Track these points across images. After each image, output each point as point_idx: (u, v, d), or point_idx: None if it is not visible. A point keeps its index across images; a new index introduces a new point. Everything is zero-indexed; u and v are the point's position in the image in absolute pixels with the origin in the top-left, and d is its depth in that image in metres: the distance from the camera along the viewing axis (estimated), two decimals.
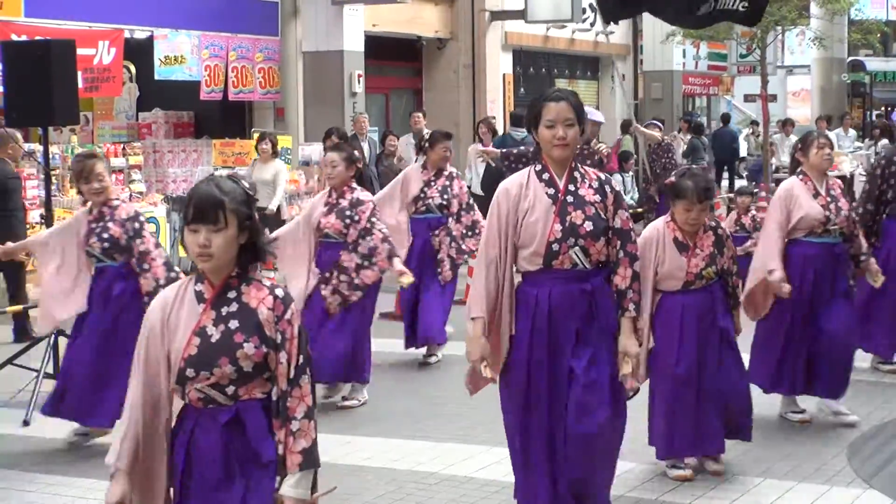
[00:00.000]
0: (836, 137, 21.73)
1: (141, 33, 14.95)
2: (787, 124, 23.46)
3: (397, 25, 18.42)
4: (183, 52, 15.09)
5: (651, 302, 5.97)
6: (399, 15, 18.18)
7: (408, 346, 9.07)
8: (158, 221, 13.16)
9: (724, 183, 23.35)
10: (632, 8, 12.07)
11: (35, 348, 8.34)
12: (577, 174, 4.87)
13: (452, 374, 8.28)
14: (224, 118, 16.82)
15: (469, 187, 11.30)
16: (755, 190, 13.46)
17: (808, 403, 7.27)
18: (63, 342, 8.25)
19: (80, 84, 9.76)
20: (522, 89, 21.35)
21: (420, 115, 15.87)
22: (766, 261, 6.82)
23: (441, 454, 6.68)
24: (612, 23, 16.65)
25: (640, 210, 15.68)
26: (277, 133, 16.35)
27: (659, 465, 6.19)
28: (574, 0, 19.52)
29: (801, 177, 7.03)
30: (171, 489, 3.60)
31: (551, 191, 4.82)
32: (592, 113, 13.00)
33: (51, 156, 9.47)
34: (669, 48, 24.01)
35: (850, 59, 30.30)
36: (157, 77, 15.05)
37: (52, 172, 10.61)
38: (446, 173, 9.16)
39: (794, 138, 22.73)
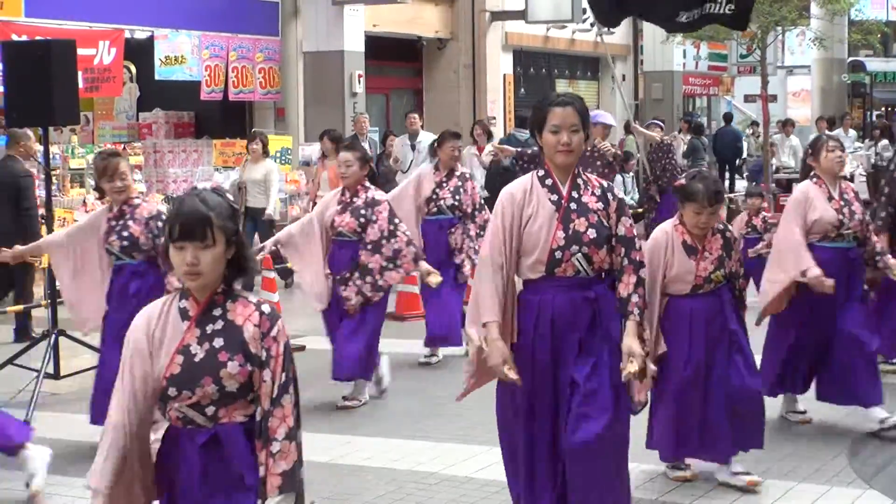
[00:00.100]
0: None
1: (141, 33, 14.96)
2: (787, 125, 23.45)
3: (398, 26, 18.42)
4: (183, 53, 15.10)
5: (659, 306, 5.91)
6: (399, 15, 18.18)
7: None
8: None
9: (725, 183, 23.34)
10: (625, 12, 12.15)
11: (35, 348, 8.35)
12: (580, 181, 4.78)
13: (452, 374, 8.28)
14: (224, 118, 16.83)
15: None
16: (763, 192, 13.41)
17: (809, 404, 7.27)
18: (63, 342, 8.27)
19: (81, 84, 9.75)
20: (523, 90, 21.36)
21: (416, 116, 15.84)
22: (798, 262, 6.73)
23: (441, 454, 6.68)
24: (608, 27, 16.66)
25: (640, 210, 15.68)
26: (278, 133, 16.38)
27: (659, 466, 6.18)
28: (574, 0, 19.53)
29: (814, 180, 6.99)
30: None
31: (554, 197, 4.72)
32: (603, 115, 13.02)
33: (51, 156, 9.45)
34: (670, 48, 24.02)
35: (851, 59, 30.29)
36: (157, 77, 15.07)
37: (53, 172, 10.60)
38: (458, 174, 9.25)
39: (794, 139, 22.95)
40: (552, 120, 4.70)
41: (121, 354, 3.46)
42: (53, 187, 10.52)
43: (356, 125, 15.60)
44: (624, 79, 23.53)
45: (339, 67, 16.70)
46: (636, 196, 18.14)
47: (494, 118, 19.86)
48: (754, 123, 25.68)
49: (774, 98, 28.80)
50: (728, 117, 26.01)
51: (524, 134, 13.75)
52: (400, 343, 9.15)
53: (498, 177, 13.55)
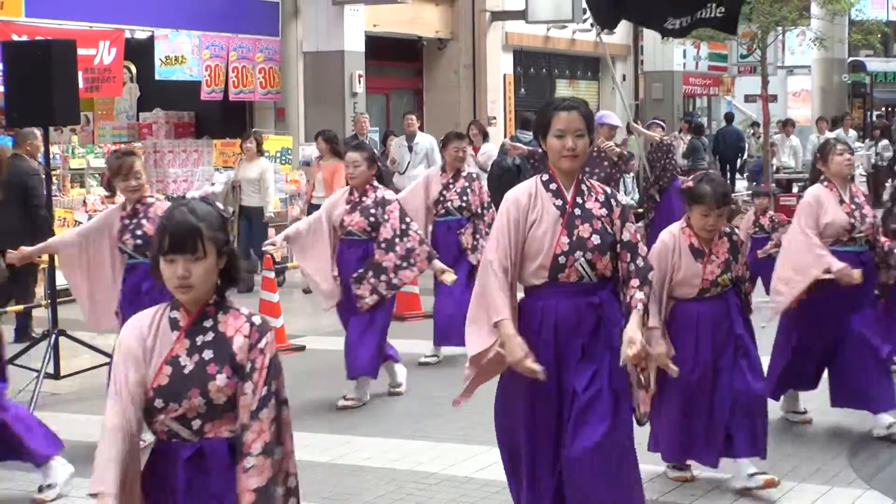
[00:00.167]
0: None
1: (141, 33, 14.96)
2: (787, 125, 23.45)
3: (398, 26, 18.43)
4: (183, 53, 15.10)
5: (665, 309, 5.88)
6: (400, 15, 18.19)
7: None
8: None
9: None
10: (623, 12, 12.20)
11: (35, 348, 8.35)
12: (584, 187, 4.74)
13: (452, 374, 8.26)
14: (225, 118, 16.83)
15: None
16: (769, 192, 13.40)
17: (810, 404, 7.27)
18: (63, 342, 8.28)
19: (81, 84, 9.75)
20: (523, 90, 21.37)
21: (413, 117, 15.83)
22: (818, 260, 6.70)
23: (441, 454, 6.68)
24: (608, 29, 16.66)
25: (640, 210, 15.68)
26: (278, 133, 16.39)
27: (659, 466, 6.18)
28: (574, 0, 19.54)
29: (825, 184, 6.96)
30: None
31: (559, 202, 4.68)
32: (609, 116, 13.00)
33: (51, 156, 9.46)
34: (670, 48, 24.03)
35: (851, 59, 30.30)
36: (157, 77, 15.07)
37: (53, 172, 10.61)
38: (465, 175, 9.31)
39: (794, 139, 22.95)
40: (557, 124, 4.66)
41: None
42: (53, 187, 10.52)
43: (356, 125, 15.61)
44: (624, 79, 23.53)
45: (340, 67, 16.71)
46: (636, 196, 18.14)
47: (495, 118, 19.87)
48: (755, 124, 25.68)
49: (775, 98, 28.77)
50: (730, 117, 26.01)
51: (527, 135, 13.73)
52: (400, 343, 9.13)
53: (498, 178, 13.54)
